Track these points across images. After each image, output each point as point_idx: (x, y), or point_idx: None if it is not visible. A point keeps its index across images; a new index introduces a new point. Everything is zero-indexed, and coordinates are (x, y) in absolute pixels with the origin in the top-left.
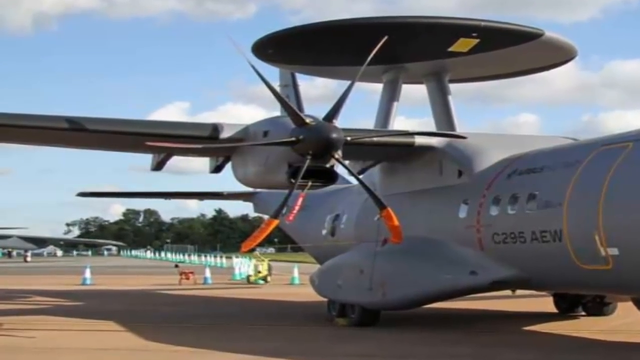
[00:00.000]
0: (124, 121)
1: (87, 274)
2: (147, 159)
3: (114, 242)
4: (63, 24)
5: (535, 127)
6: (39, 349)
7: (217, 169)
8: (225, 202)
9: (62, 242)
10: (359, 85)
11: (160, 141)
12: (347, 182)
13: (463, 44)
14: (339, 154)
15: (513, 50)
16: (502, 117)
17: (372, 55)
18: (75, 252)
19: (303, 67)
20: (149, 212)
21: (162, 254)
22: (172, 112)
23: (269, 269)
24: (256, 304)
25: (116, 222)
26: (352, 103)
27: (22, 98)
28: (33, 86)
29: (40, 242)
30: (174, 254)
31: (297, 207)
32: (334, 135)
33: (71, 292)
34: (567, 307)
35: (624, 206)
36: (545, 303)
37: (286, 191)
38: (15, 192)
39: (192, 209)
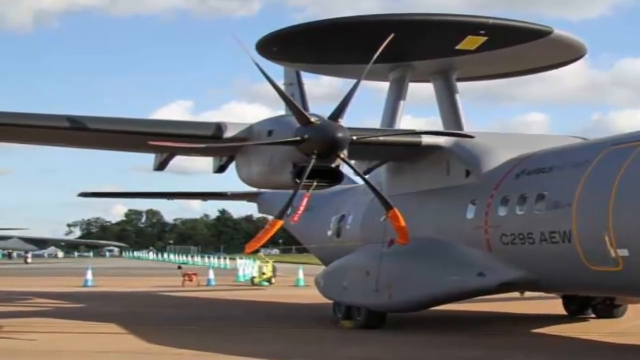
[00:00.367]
0: (126, 120)
1: (89, 275)
2: (149, 158)
3: (116, 243)
4: (64, 21)
5: (544, 126)
6: (40, 352)
7: (220, 169)
8: (229, 203)
9: (63, 243)
10: (365, 84)
11: (162, 140)
12: (353, 182)
13: (471, 42)
14: (344, 153)
15: (521, 48)
16: (511, 116)
17: (378, 53)
18: (76, 254)
19: (308, 65)
20: (152, 213)
21: (165, 255)
22: (175, 111)
23: (274, 270)
24: (260, 306)
25: (118, 223)
26: (358, 102)
27: (22, 97)
28: (33, 85)
29: (41, 243)
30: (176, 255)
31: (302, 208)
32: (340, 135)
33: (72, 294)
34: (577, 309)
35: (635, 207)
36: (554, 305)
37: (291, 191)
38: (15, 192)
39: (195, 209)
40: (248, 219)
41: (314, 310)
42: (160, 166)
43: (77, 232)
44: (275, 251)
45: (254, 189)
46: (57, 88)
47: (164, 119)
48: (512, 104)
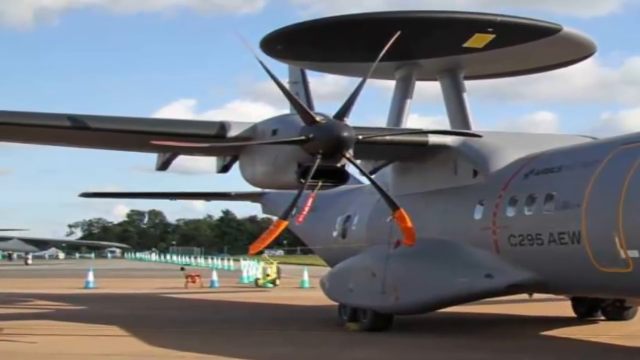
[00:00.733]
0: (128, 119)
1: (90, 277)
2: (151, 158)
3: (118, 244)
4: (65, 19)
5: (553, 126)
6: (40, 355)
7: (224, 169)
8: (232, 203)
9: (64, 244)
10: (371, 82)
11: (165, 140)
12: (359, 182)
13: (478, 40)
14: (350, 153)
15: (530, 45)
16: (519, 115)
17: (384, 51)
18: (77, 255)
19: (313, 64)
20: (154, 213)
21: (168, 256)
22: (178, 110)
23: (278, 272)
24: (264, 308)
25: (120, 224)
26: (364, 100)
27: (22, 96)
28: (34, 83)
29: (41, 244)
30: (179, 257)
31: (306, 208)
32: (345, 134)
33: (73, 295)
34: (586, 311)
35: None
36: (563, 307)
37: (296, 191)
38: (15, 193)
39: (199, 209)
40: (252, 219)
41: (319, 312)
42: (163, 166)
43: (78, 233)
44: (280, 252)
45: (258, 189)
46: (58, 86)
47: (166, 118)
48: (521, 102)
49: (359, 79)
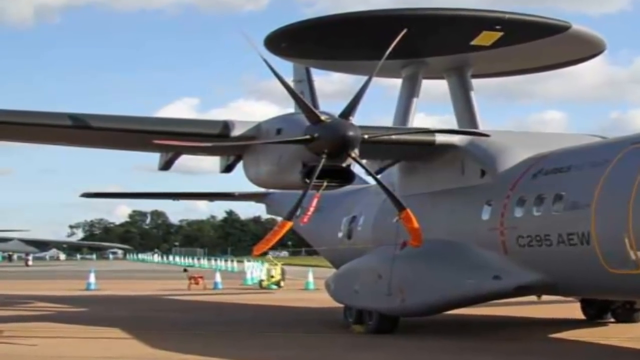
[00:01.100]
0: (130, 118)
1: (92, 278)
2: (154, 158)
3: (120, 245)
4: (66, 16)
5: (562, 125)
6: (41, 357)
7: (227, 169)
8: (236, 203)
9: (65, 245)
10: (377, 81)
11: (168, 139)
12: (365, 182)
13: (486, 37)
14: (355, 152)
15: (538, 43)
16: (527, 114)
17: (390, 49)
18: (79, 256)
19: (318, 62)
20: (157, 214)
21: (170, 257)
22: (181, 109)
23: (283, 273)
24: (269, 310)
25: (122, 224)
26: (370, 99)
27: (23, 94)
28: (34, 82)
29: (42, 245)
30: (182, 258)
31: (311, 209)
32: (351, 133)
33: (75, 297)
34: (596, 313)
35: None
36: (573, 309)
37: (300, 192)
38: (16, 193)
39: (202, 210)
40: (256, 220)
41: (324, 314)
42: (166, 166)
43: (79, 234)
44: (284, 253)
45: (262, 190)
46: (59, 85)
47: (169, 117)
48: (529, 101)
49: (365, 78)
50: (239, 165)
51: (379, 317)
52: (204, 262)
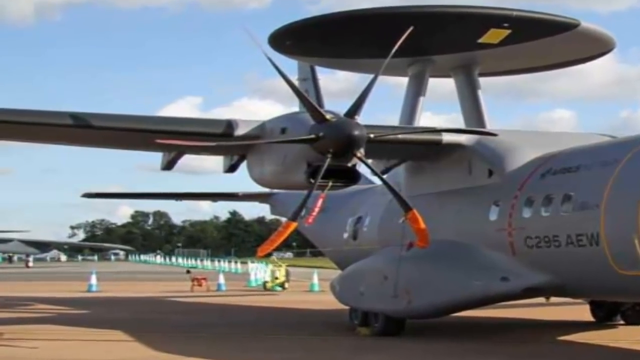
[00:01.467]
0: (132, 117)
1: (93, 280)
2: (156, 157)
3: (122, 246)
4: (67, 13)
5: (571, 124)
6: None
7: (231, 169)
8: (240, 204)
9: (66, 246)
10: (383, 79)
11: (170, 138)
12: (370, 182)
13: (494, 35)
14: (361, 152)
15: (547, 41)
16: (536, 112)
17: (396, 46)
18: (80, 257)
19: (323, 60)
20: (159, 214)
21: (173, 258)
22: (183, 108)
23: (287, 274)
24: (273, 312)
25: (124, 225)
26: (376, 98)
27: (23, 93)
28: (35, 80)
29: (42, 246)
30: (185, 259)
31: (316, 209)
32: (356, 132)
33: (76, 299)
34: (605, 315)
35: None
36: (581, 311)
37: (305, 192)
38: (16, 193)
39: (205, 210)
40: (260, 220)
41: (330, 316)
42: (168, 165)
43: (80, 235)
44: (289, 255)
45: (267, 190)
46: (60, 84)
47: (171, 116)
48: (537, 100)
49: (371, 76)
50: (243, 165)
51: (385, 319)
52: (207, 263)
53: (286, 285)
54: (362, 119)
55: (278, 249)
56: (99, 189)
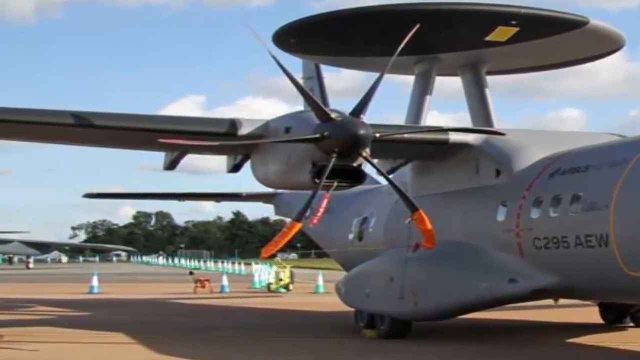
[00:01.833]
0: (134, 116)
1: (95, 281)
2: (159, 157)
3: (124, 247)
4: (68, 11)
5: (580, 123)
6: None
7: (235, 168)
8: (243, 204)
9: (67, 247)
10: (389, 78)
11: (173, 138)
12: (376, 182)
13: (501, 33)
14: (367, 151)
15: (555, 39)
16: (544, 111)
17: (403, 44)
18: (81, 258)
19: (328, 58)
20: (161, 215)
21: (176, 260)
22: (186, 107)
23: (292, 276)
24: (277, 314)
25: (126, 226)
26: (381, 97)
27: (23, 91)
28: (35, 79)
29: (43, 247)
30: (188, 260)
31: (321, 210)
32: (362, 132)
33: (77, 301)
34: (614, 317)
35: None
36: (590, 313)
37: (310, 192)
38: (16, 193)
39: (208, 211)
40: (264, 221)
41: (335, 318)
42: (171, 165)
43: (82, 236)
44: (293, 256)
45: (271, 190)
46: (61, 82)
47: (174, 115)
48: (546, 99)
49: (377, 74)
50: (247, 165)
51: (391, 321)
52: (211, 264)
53: (290, 286)
54: (367, 118)
55: (282, 250)
56: (100, 189)
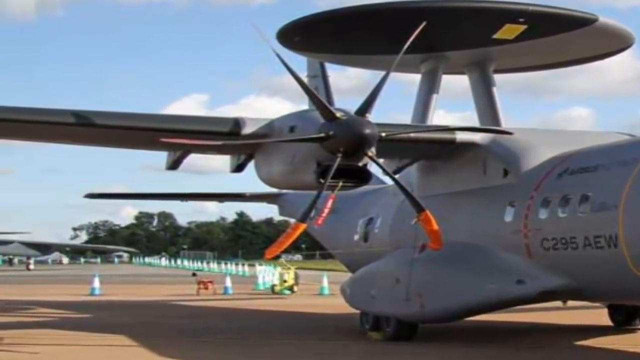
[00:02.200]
0: (136, 115)
1: (96, 283)
2: (161, 156)
3: (126, 249)
4: (69, 9)
5: (589, 122)
6: None
7: (238, 168)
8: (247, 205)
9: (68, 248)
10: (395, 76)
11: (176, 137)
12: (382, 182)
13: (509, 31)
14: (372, 151)
15: (564, 37)
16: (552, 110)
17: (409, 42)
18: (82, 260)
19: (333, 56)
20: (164, 216)
21: (178, 261)
22: (189, 106)
23: (296, 277)
24: (281, 316)
25: (128, 227)
26: (387, 96)
27: (24, 90)
28: (36, 77)
29: (44, 248)
30: (191, 262)
31: (326, 210)
32: (367, 131)
33: (78, 303)
34: (624, 319)
35: None
36: (600, 315)
37: (315, 192)
38: (17, 194)
39: (211, 211)
40: (268, 222)
41: (340, 320)
42: (174, 165)
43: (83, 237)
44: (298, 257)
45: (275, 190)
46: (62, 81)
47: (177, 114)
48: (554, 97)
49: (382, 73)
50: (250, 165)
51: (397, 323)
52: (214, 266)
53: (295, 288)
54: (373, 117)
55: (287, 251)
56: (102, 189)
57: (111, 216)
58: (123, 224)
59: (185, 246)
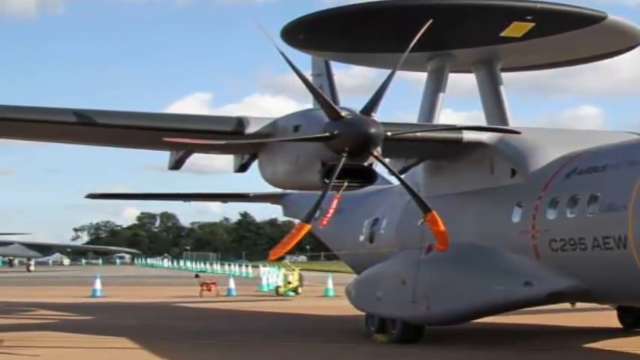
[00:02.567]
0: (138, 114)
1: (97, 285)
2: (164, 156)
3: (127, 250)
4: (70, 6)
5: (597, 121)
6: None
7: (242, 168)
8: (251, 205)
9: (69, 250)
10: (401, 74)
11: (178, 137)
12: (387, 182)
13: (516, 29)
14: (378, 151)
15: (572, 35)
16: (561, 109)
17: (415, 40)
18: (83, 261)
19: (338, 54)
20: (166, 216)
21: (181, 262)
22: (192, 104)
23: (300, 279)
24: (286, 318)
25: (130, 227)
26: (393, 94)
27: (24, 89)
28: (37, 75)
29: (45, 249)
30: (194, 263)
31: (331, 211)
32: (373, 130)
33: (79, 305)
34: (633, 321)
35: None
36: (609, 317)
37: (319, 192)
38: (17, 194)
39: (215, 212)
40: (272, 222)
41: (345, 323)
42: (176, 165)
43: (84, 237)
44: (302, 258)
45: (279, 190)
46: (63, 79)
47: (179, 113)
48: (562, 96)
49: (388, 71)
50: (254, 165)
51: (403, 325)
52: (217, 267)
53: (299, 290)
54: (379, 116)
55: (291, 252)
56: (103, 190)
57: (113, 217)
58: (125, 225)
59: (188, 247)
